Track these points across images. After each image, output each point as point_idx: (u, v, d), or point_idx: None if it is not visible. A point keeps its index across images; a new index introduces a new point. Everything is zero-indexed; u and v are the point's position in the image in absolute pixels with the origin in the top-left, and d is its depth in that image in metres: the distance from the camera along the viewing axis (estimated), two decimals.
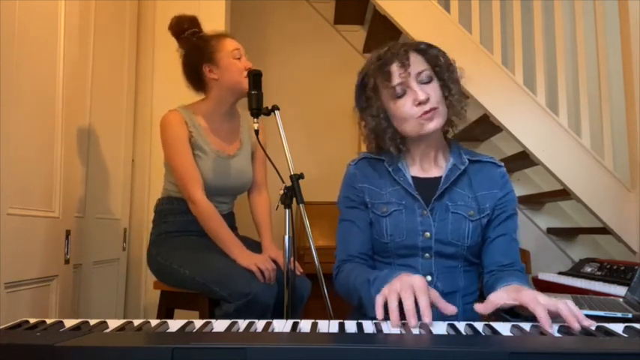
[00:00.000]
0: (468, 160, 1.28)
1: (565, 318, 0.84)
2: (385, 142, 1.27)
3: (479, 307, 0.94)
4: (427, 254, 1.22)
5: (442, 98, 1.22)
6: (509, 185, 1.29)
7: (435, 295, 0.93)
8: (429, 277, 1.22)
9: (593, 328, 0.82)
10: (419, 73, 1.20)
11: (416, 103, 1.19)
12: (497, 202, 1.26)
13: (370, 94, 1.26)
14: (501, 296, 0.95)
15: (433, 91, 1.21)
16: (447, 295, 1.19)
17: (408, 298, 0.88)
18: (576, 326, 0.82)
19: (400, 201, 1.25)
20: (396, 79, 1.20)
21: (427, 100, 1.19)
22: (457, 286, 1.23)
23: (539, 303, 0.88)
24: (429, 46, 1.25)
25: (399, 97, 1.21)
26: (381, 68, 1.22)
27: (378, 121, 1.26)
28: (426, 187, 1.25)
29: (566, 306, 0.85)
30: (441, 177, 1.26)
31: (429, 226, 1.22)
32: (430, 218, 1.22)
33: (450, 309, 0.91)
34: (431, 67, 1.23)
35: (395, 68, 1.20)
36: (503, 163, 1.32)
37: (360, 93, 1.30)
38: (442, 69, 1.23)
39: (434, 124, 1.20)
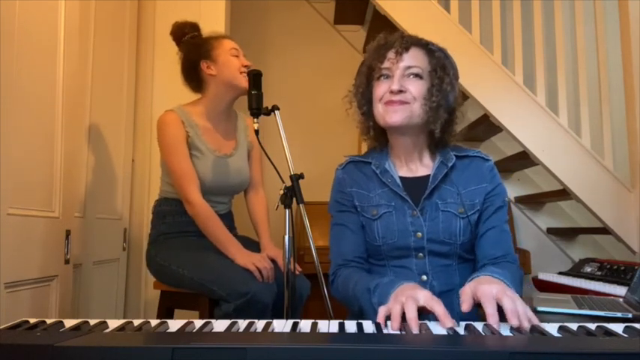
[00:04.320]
0: (455, 156, 1.27)
1: (506, 313, 0.85)
2: (360, 118, 1.31)
3: (464, 308, 0.94)
4: (420, 254, 1.22)
5: (424, 98, 1.21)
6: (498, 178, 1.29)
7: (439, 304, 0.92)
8: (424, 277, 1.22)
9: (527, 326, 0.83)
10: (408, 67, 1.21)
11: (388, 91, 1.21)
12: (486, 196, 1.25)
13: (362, 69, 1.31)
14: (467, 291, 0.95)
15: (416, 87, 1.21)
16: (443, 294, 1.18)
17: (411, 308, 0.88)
18: (514, 323, 0.83)
19: (389, 202, 1.24)
20: (386, 63, 1.23)
21: (399, 92, 1.19)
22: (453, 283, 1.23)
23: (490, 299, 0.89)
24: (441, 50, 1.26)
25: (382, 79, 1.24)
26: (379, 49, 1.26)
27: (356, 93, 1.30)
28: (415, 186, 1.25)
29: (511, 303, 0.86)
30: (429, 176, 1.26)
31: (420, 226, 1.22)
32: (421, 218, 1.22)
33: (449, 323, 0.88)
34: (429, 68, 1.23)
35: (390, 54, 1.23)
36: (491, 157, 1.32)
37: (360, 65, 1.34)
38: (437, 73, 1.23)
39: (396, 117, 1.20)
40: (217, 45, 1.88)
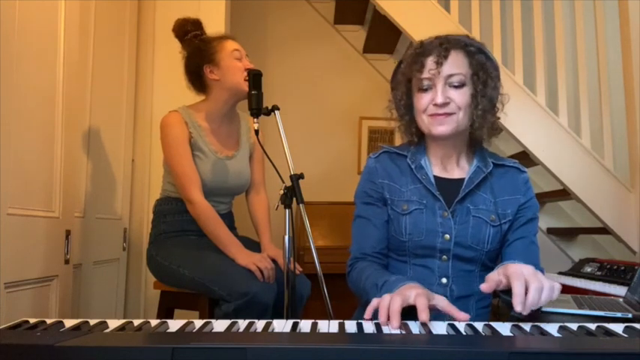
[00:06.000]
0: (493, 163, 1.26)
1: (527, 298, 0.88)
2: (403, 128, 1.29)
3: (483, 287, 0.95)
4: (444, 256, 1.21)
5: (468, 107, 1.19)
6: (532, 191, 1.28)
7: (446, 303, 0.94)
8: (444, 280, 1.21)
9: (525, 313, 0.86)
10: (450, 76, 1.17)
11: (432, 103, 1.18)
12: (519, 208, 1.24)
13: (400, 78, 1.27)
14: (493, 274, 0.98)
15: (459, 96, 1.18)
16: (461, 299, 1.19)
17: (395, 301, 0.88)
18: (518, 309, 0.87)
19: (421, 200, 1.23)
20: (426, 74, 1.19)
21: (444, 105, 1.17)
22: (472, 290, 1.21)
23: (519, 278, 0.90)
24: (480, 50, 1.22)
25: (424, 90, 1.20)
26: (417, 57, 1.21)
27: (398, 105, 1.28)
28: (448, 188, 1.24)
29: (536, 293, 0.89)
30: (463, 179, 1.24)
31: (450, 228, 1.20)
32: (451, 220, 1.20)
33: (461, 316, 0.91)
34: (471, 72, 1.19)
35: (429, 62, 1.18)
36: (526, 169, 1.31)
37: (395, 72, 1.31)
38: (480, 79, 1.20)
39: (443, 129, 1.18)
40: (220, 48, 1.86)
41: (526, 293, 0.89)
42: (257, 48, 3.53)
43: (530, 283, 0.89)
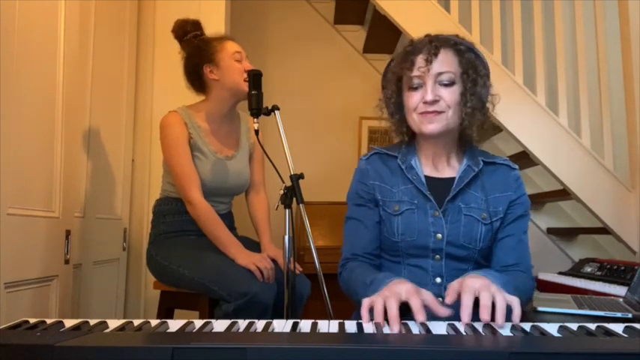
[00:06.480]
0: (483, 161, 1.26)
1: (480, 307, 0.87)
2: (394, 127, 1.29)
3: (447, 300, 0.95)
4: (437, 256, 1.21)
5: (458, 105, 1.19)
6: (523, 188, 1.28)
7: (431, 298, 0.94)
8: (438, 279, 1.21)
9: (502, 324, 0.85)
10: (440, 74, 1.18)
11: (422, 101, 1.18)
12: (509, 204, 1.25)
13: (390, 77, 1.27)
14: (453, 284, 0.97)
15: (449, 94, 1.18)
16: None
17: (392, 305, 0.88)
18: (484, 318, 0.85)
19: (412, 200, 1.23)
20: (416, 72, 1.19)
21: (434, 102, 1.17)
22: None
23: (469, 291, 0.90)
24: (470, 49, 1.22)
25: (414, 88, 1.20)
26: (407, 55, 1.21)
27: (388, 103, 1.28)
28: (439, 187, 1.24)
29: (487, 298, 0.88)
30: (454, 178, 1.24)
31: (441, 227, 1.20)
32: (442, 220, 1.21)
33: (442, 311, 0.92)
34: (461, 70, 1.19)
35: (419, 60, 1.19)
36: (517, 166, 1.31)
37: (385, 71, 1.31)
38: (469, 77, 1.20)
39: (432, 127, 1.18)
40: (220, 48, 1.86)
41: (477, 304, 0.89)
42: (257, 48, 3.53)
43: (480, 294, 0.89)
